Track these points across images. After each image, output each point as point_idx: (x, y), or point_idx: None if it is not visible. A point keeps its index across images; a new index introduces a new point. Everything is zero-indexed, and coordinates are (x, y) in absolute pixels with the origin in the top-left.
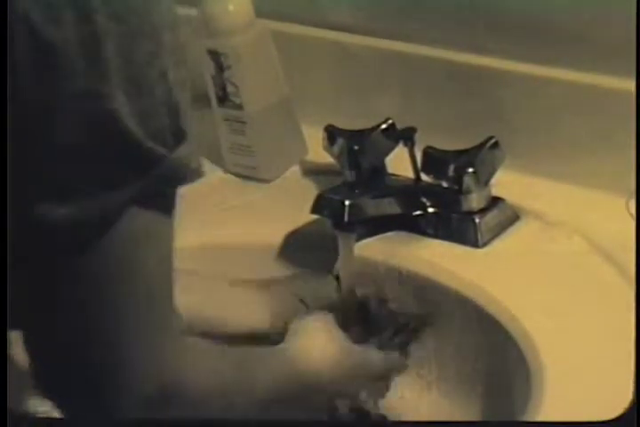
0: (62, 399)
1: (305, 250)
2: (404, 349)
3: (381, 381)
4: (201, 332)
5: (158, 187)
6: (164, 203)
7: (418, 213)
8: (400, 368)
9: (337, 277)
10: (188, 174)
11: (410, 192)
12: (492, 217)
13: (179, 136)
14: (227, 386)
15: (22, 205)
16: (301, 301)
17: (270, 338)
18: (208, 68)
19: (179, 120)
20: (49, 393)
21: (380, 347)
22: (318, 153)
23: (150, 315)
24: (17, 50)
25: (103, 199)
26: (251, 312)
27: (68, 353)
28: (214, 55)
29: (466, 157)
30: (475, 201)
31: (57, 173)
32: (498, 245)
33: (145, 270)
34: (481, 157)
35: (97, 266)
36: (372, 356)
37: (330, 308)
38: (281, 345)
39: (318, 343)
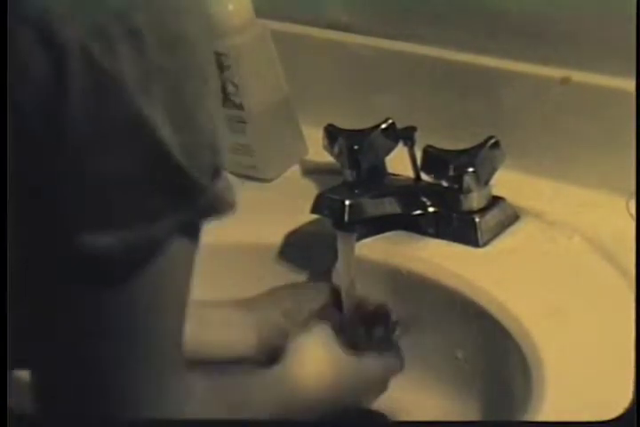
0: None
1: (305, 250)
2: (398, 348)
3: (380, 383)
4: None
5: (198, 218)
6: (194, 233)
7: (418, 212)
8: (397, 369)
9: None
10: (225, 207)
11: (410, 192)
12: (492, 217)
13: (217, 171)
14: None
15: (65, 233)
16: (287, 317)
17: (257, 361)
18: None
19: (219, 156)
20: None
21: (377, 349)
22: (318, 153)
23: (165, 346)
24: (72, 78)
25: (147, 229)
26: (235, 336)
27: (83, 376)
28: (214, 55)
29: (466, 156)
30: (475, 201)
31: (105, 201)
32: (498, 244)
33: (169, 299)
34: (481, 157)
35: (133, 294)
36: (370, 362)
37: (326, 316)
38: (276, 367)
39: (315, 359)
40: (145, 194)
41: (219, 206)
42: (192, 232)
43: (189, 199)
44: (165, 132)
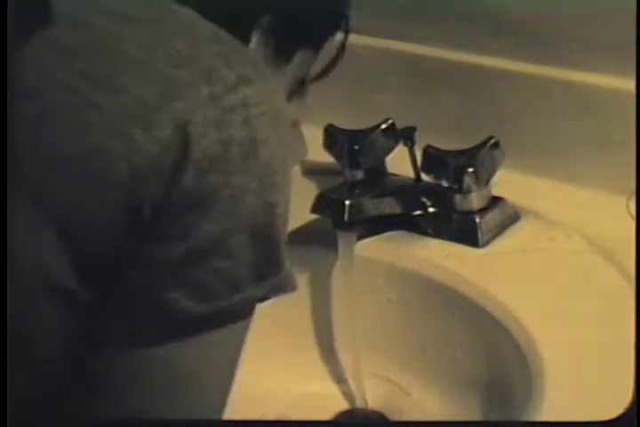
0: None
1: (305, 250)
2: None
3: None
4: None
5: (271, 294)
6: (254, 308)
7: (418, 212)
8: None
9: None
10: (291, 288)
11: (410, 192)
12: (492, 217)
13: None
14: None
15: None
16: None
17: None
18: None
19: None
20: None
21: None
22: (318, 153)
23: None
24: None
25: (234, 298)
26: None
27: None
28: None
29: (466, 156)
30: (475, 201)
31: (203, 274)
32: (498, 244)
33: (219, 368)
34: (481, 157)
35: (194, 358)
36: None
37: None
38: None
39: None
40: (239, 264)
41: (288, 286)
42: (254, 307)
43: (270, 275)
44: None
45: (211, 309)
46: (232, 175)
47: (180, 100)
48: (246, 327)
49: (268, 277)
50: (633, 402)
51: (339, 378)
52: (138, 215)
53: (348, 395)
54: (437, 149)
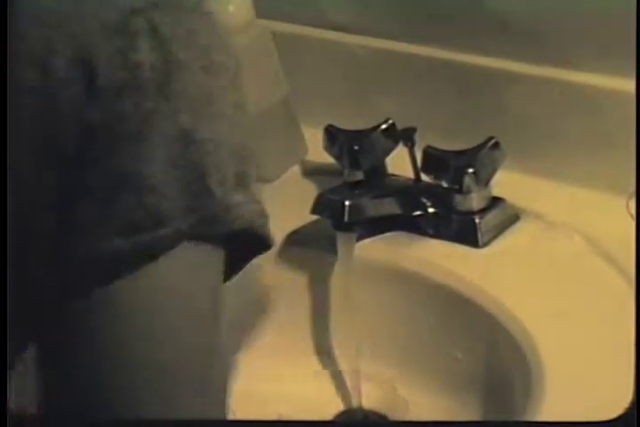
0: None
1: (305, 250)
2: None
3: None
4: None
5: (206, 229)
6: (215, 239)
7: (418, 213)
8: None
9: None
10: (239, 224)
11: (410, 192)
12: (492, 217)
13: (242, 185)
14: None
15: (79, 238)
16: None
17: None
18: None
19: (245, 169)
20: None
21: None
22: (318, 153)
23: (195, 353)
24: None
25: (158, 233)
26: None
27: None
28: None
29: (466, 157)
30: (475, 201)
31: (121, 206)
32: (498, 245)
33: (194, 302)
34: (481, 158)
35: (146, 296)
36: None
37: None
38: None
39: None
40: (157, 197)
41: (230, 222)
42: (208, 242)
43: (199, 208)
44: (186, 126)
45: (135, 244)
46: (144, 100)
47: (80, 28)
48: (208, 267)
49: (196, 210)
50: (633, 402)
51: (338, 378)
52: (62, 151)
53: (347, 395)
54: (437, 150)
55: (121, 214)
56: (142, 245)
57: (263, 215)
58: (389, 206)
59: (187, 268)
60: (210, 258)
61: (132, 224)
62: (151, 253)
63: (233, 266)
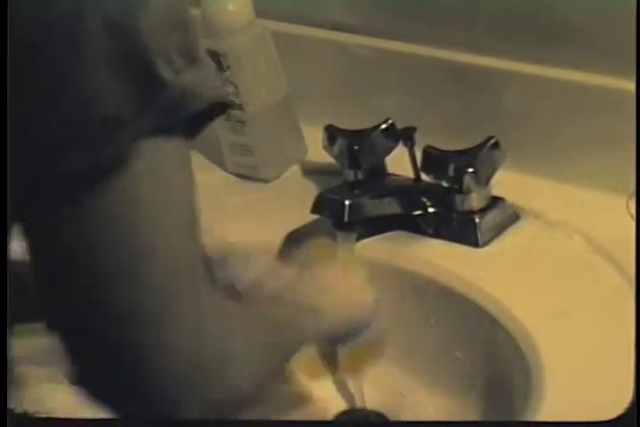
0: (91, 376)
1: (305, 250)
2: None
3: None
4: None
5: (166, 118)
6: (175, 133)
7: (418, 212)
8: None
9: None
10: (198, 101)
11: (410, 192)
12: (492, 217)
13: (188, 57)
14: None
15: (35, 158)
16: None
17: None
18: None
19: (187, 39)
20: (75, 369)
21: None
22: (318, 153)
23: (176, 259)
24: None
25: (113, 139)
26: None
27: (84, 312)
28: (214, 55)
29: (466, 156)
30: (475, 201)
31: (69, 117)
32: (498, 245)
33: (169, 210)
34: (481, 157)
35: (120, 207)
36: None
37: None
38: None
39: None
40: (103, 100)
41: (188, 102)
42: (170, 132)
43: (150, 98)
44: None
45: (92, 156)
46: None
47: None
48: (177, 156)
49: (151, 103)
50: (633, 402)
51: (338, 378)
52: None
53: (347, 395)
54: (437, 150)
55: (72, 128)
56: (100, 154)
57: (216, 84)
58: (389, 206)
59: (158, 166)
60: (176, 147)
61: (84, 135)
62: (117, 161)
63: (193, 129)
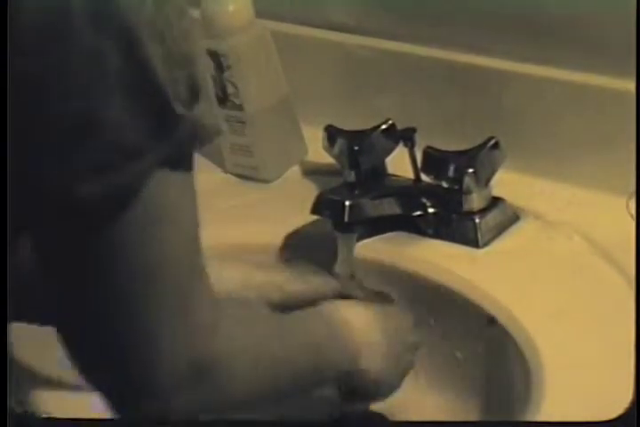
0: (95, 377)
1: (305, 250)
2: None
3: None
4: None
5: (179, 149)
6: (184, 164)
7: (418, 213)
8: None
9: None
10: (206, 134)
11: (410, 192)
12: (492, 217)
13: (194, 91)
14: (263, 356)
15: (48, 184)
16: None
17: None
18: (208, 69)
19: (193, 72)
20: (80, 370)
21: None
22: (318, 153)
23: (180, 279)
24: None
25: (129, 169)
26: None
27: (96, 324)
28: (214, 55)
29: (466, 157)
30: (475, 201)
31: (83, 147)
32: (498, 245)
33: (176, 233)
34: (481, 158)
35: (131, 232)
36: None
37: None
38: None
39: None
40: (121, 132)
41: (200, 134)
42: (180, 163)
43: (166, 131)
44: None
45: (107, 185)
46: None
47: None
48: (185, 185)
49: (164, 135)
50: (633, 402)
51: None
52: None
53: None
54: (437, 150)
55: (89, 157)
56: (116, 184)
57: (214, 115)
58: (389, 206)
59: (167, 195)
60: (184, 177)
61: (100, 165)
62: (129, 190)
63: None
